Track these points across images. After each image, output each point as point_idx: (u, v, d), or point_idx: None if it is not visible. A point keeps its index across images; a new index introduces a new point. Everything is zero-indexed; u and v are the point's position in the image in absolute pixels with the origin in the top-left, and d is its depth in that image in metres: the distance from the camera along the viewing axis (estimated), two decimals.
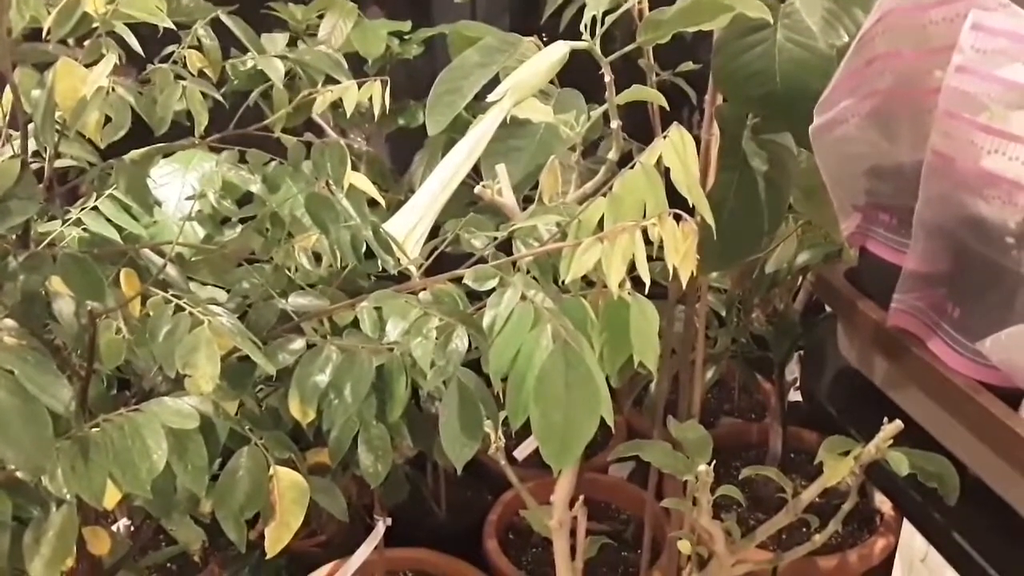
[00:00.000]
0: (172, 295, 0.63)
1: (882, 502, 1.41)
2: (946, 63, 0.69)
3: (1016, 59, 0.66)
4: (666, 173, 0.64)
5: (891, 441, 0.74)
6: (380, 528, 1.16)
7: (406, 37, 1.26)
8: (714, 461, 0.78)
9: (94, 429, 0.58)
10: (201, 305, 0.61)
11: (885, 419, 0.75)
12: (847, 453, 0.76)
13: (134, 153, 0.85)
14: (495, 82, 0.75)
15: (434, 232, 0.77)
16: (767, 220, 0.86)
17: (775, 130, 0.85)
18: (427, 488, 1.47)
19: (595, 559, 0.98)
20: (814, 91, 0.74)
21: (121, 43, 0.78)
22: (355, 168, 1.18)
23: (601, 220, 0.63)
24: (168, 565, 1.34)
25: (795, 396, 1.41)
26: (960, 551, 0.73)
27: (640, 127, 1.03)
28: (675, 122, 0.67)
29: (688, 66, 1.23)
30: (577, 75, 0.79)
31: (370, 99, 1.01)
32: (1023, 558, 0.70)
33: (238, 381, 0.66)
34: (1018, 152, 0.67)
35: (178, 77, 0.85)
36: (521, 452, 1.27)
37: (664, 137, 0.63)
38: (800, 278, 1.27)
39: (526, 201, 0.84)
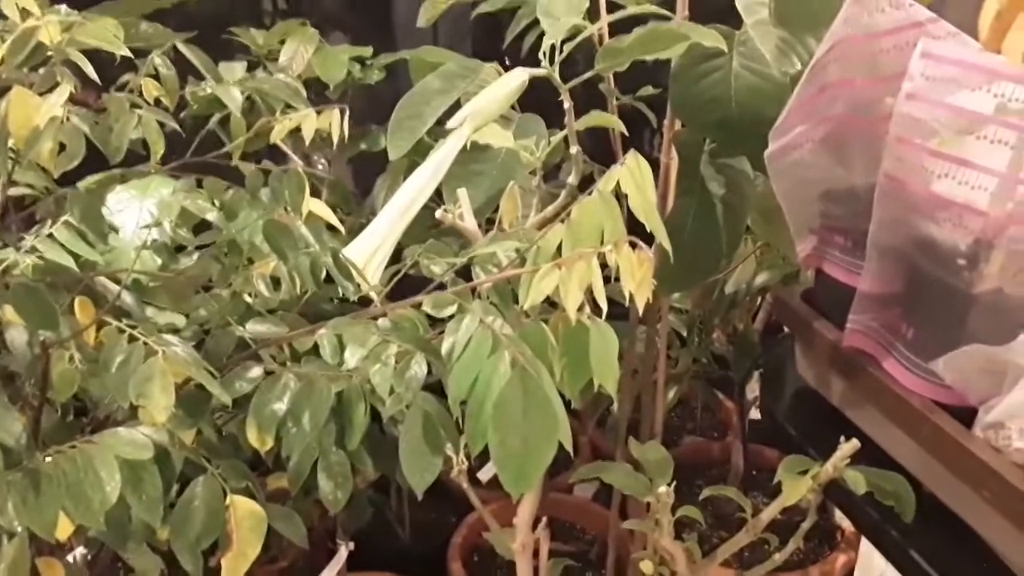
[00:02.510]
0: (127, 324, 0.62)
1: (843, 518, 1.42)
2: (897, 90, 0.70)
3: (964, 86, 0.68)
4: (626, 197, 0.65)
5: (848, 460, 0.75)
6: (343, 552, 1.15)
7: (368, 63, 1.26)
8: (677, 479, 0.79)
9: (46, 461, 0.57)
10: (155, 335, 0.60)
11: (842, 438, 0.75)
12: (806, 472, 0.77)
13: (90, 179, 0.85)
14: (457, 106, 0.76)
15: (396, 256, 0.77)
16: (725, 243, 0.87)
17: (732, 155, 0.86)
18: (391, 510, 1.46)
19: None
20: (769, 117, 0.76)
21: (77, 70, 0.77)
22: (317, 192, 1.18)
23: (559, 246, 0.63)
24: None
25: (756, 414, 1.42)
26: (917, 568, 0.74)
27: (602, 149, 1.04)
28: (632, 148, 0.68)
29: (648, 90, 1.25)
30: (539, 98, 0.80)
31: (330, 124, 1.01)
32: (977, 574, 0.71)
33: (195, 409, 0.65)
34: (967, 176, 0.68)
35: (134, 106, 0.84)
36: (485, 474, 1.27)
37: (621, 164, 0.64)
38: (759, 298, 1.29)
39: (488, 224, 0.84)
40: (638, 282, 0.58)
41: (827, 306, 0.86)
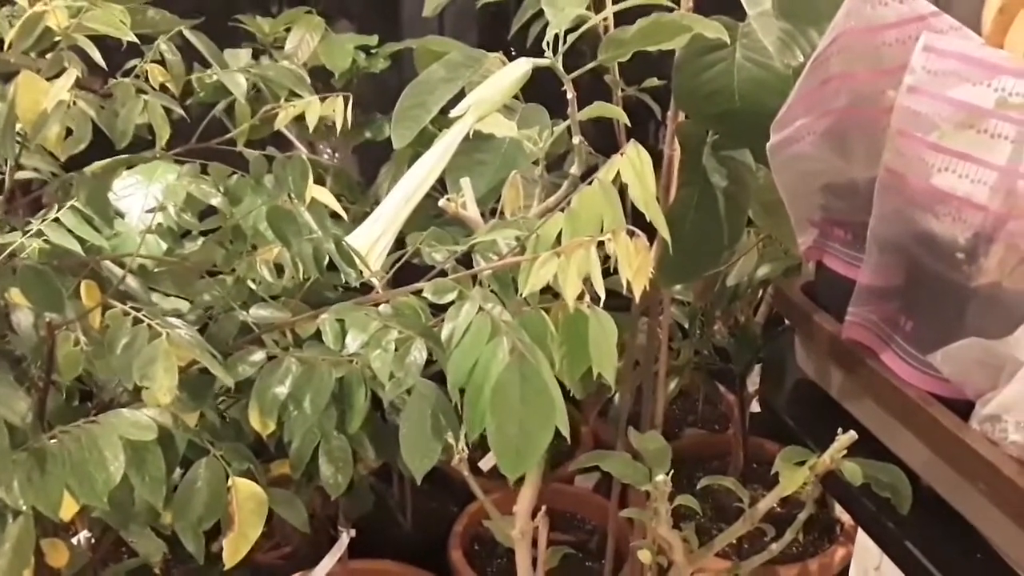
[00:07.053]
0: (131, 307, 0.63)
1: (842, 512, 1.42)
2: (899, 83, 0.70)
3: (966, 80, 0.68)
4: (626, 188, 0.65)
5: (846, 451, 0.75)
6: (344, 539, 1.16)
7: (373, 51, 1.27)
8: (677, 472, 0.79)
9: (51, 441, 0.58)
10: (160, 317, 0.61)
11: (840, 430, 0.76)
12: (803, 463, 0.77)
13: (96, 165, 0.85)
14: (461, 96, 0.76)
15: (398, 244, 0.77)
16: (727, 235, 0.88)
17: (734, 147, 0.86)
18: (392, 499, 1.47)
19: (559, 569, 0.99)
20: (772, 109, 0.76)
21: (83, 55, 0.78)
22: (322, 181, 1.19)
23: (559, 235, 0.64)
24: None
25: (757, 407, 1.43)
26: (913, 559, 0.75)
27: (606, 140, 1.04)
28: (633, 139, 0.69)
29: (652, 82, 1.25)
30: (543, 89, 0.80)
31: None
32: (973, 566, 0.72)
33: (198, 393, 0.66)
34: (967, 170, 0.68)
35: (140, 91, 0.85)
36: (486, 463, 1.28)
37: (622, 154, 0.64)
38: (761, 291, 1.29)
39: (491, 214, 0.85)
40: (635, 269, 0.58)
41: (827, 299, 0.86)
